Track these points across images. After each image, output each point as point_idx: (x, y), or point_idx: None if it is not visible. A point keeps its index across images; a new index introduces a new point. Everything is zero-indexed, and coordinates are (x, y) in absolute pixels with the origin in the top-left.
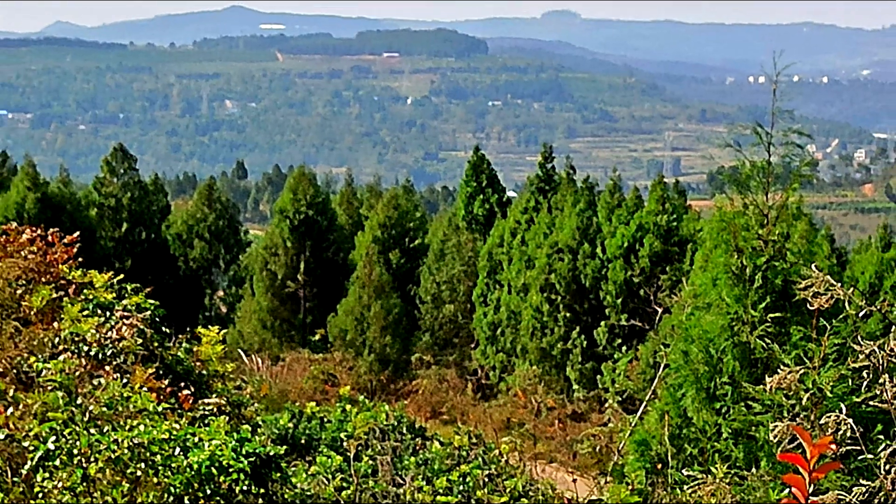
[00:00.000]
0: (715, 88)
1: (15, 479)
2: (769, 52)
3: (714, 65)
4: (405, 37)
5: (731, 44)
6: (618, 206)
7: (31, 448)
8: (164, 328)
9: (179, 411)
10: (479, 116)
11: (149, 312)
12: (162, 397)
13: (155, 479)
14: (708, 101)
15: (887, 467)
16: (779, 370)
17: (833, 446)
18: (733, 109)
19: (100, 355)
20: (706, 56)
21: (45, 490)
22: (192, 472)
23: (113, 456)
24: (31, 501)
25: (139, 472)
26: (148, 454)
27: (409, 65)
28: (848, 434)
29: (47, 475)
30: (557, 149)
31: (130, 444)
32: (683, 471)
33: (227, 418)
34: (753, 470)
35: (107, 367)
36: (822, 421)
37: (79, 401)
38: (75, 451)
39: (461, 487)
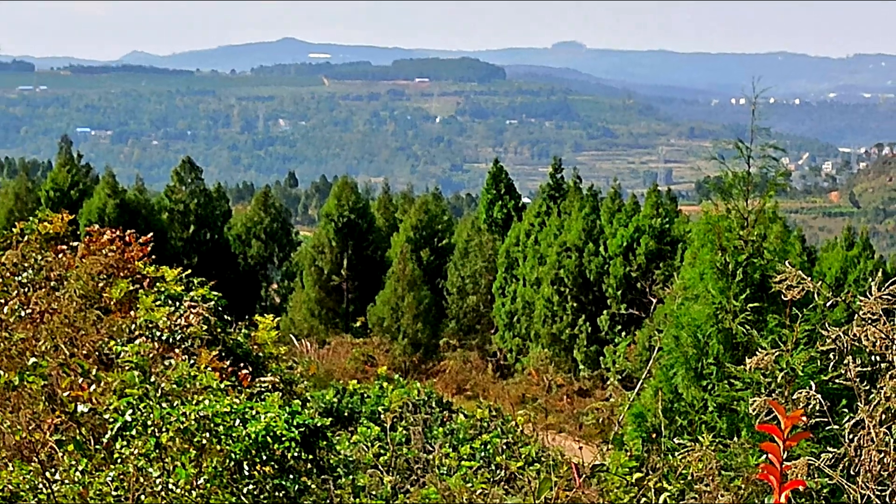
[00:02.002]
0: (702, 109)
1: (97, 446)
2: (749, 78)
3: (701, 88)
4: (434, 64)
5: (715, 70)
6: (618, 211)
7: (111, 420)
8: (225, 316)
9: (239, 388)
10: (497, 133)
11: (212, 302)
12: (224, 376)
13: (218, 447)
14: (696, 120)
15: (850, 436)
16: (757, 352)
17: (804, 418)
18: (718, 127)
19: (170, 340)
20: (694, 81)
21: (123, 456)
22: (251, 441)
23: (182, 427)
24: (111, 466)
25: (204, 441)
26: (212, 425)
27: (438, 88)
28: (817, 408)
29: (125, 443)
30: (566, 161)
31: (197, 416)
32: (675, 439)
33: (281, 394)
34: (735, 439)
35: (176, 350)
36: (794, 396)
37: (152, 379)
38: (149, 423)
39: (482, 454)
